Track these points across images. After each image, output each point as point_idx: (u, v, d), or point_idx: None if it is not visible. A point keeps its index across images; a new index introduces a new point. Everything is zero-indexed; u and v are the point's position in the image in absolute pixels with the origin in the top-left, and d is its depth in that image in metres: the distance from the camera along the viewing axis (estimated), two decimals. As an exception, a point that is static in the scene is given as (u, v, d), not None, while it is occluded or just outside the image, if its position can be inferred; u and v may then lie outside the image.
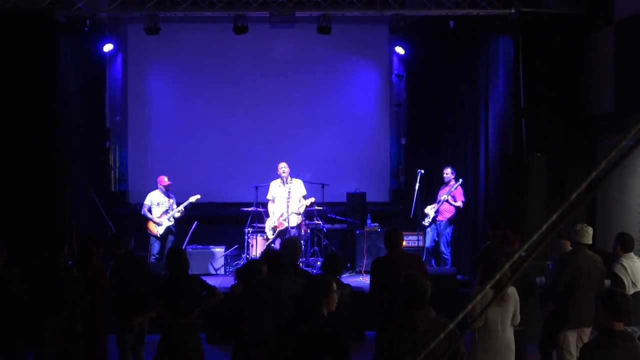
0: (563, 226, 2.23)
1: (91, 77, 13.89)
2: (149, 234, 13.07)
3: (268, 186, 13.01)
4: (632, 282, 7.83)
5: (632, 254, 8.03)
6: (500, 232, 8.48)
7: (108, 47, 14.05)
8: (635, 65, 10.19)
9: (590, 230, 8.02)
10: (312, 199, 12.77)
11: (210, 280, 7.86)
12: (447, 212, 12.75)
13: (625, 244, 8.03)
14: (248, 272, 7.09)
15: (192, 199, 13.05)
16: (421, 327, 5.05)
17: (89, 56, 13.68)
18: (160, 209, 13.02)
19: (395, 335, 5.20)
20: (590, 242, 8.04)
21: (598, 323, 6.03)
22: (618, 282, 7.81)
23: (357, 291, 9.35)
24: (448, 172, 12.79)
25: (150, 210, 13.03)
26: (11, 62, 11.27)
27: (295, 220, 12.70)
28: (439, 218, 12.81)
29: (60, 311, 7.38)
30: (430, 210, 12.81)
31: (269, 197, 12.87)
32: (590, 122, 11.38)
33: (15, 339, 7.50)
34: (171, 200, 13.13)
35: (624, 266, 7.90)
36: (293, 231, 12.61)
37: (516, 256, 2.16)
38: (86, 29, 12.22)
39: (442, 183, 12.93)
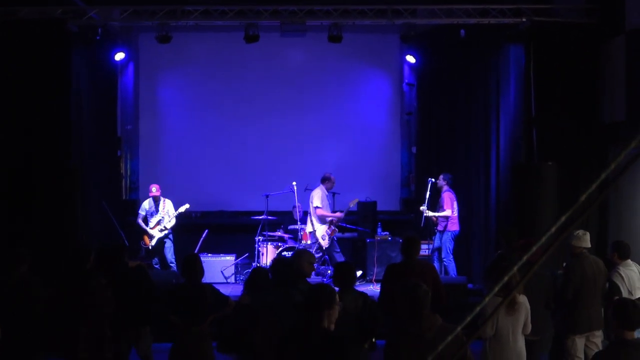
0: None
1: (103, 85, 13.91)
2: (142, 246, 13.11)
3: (277, 195, 13.33)
4: (629, 290, 7.86)
5: (629, 261, 8.07)
6: (523, 241, 8.45)
7: (120, 56, 14.09)
8: (646, 74, 10.16)
9: (587, 234, 8.04)
10: None
11: (220, 289, 7.83)
12: (441, 223, 12.78)
13: (621, 252, 8.07)
14: (254, 282, 7.05)
15: (182, 208, 13.06)
16: (428, 334, 5.03)
17: (100, 65, 13.71)
18: (155, 219, 13.07)
19: (402, 343, 5.18)
20: (590, 245, 8.06)
21: (610, 332, 6.01)
22: (615, 291, 7.84)
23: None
24: (440, 179, 12.87)
25: (145, 220, 13.09)
26: (23, 71, 11.31)
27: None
28: (439, 228, 12.84)
29: (86, 319, 7.31)
30: (426, 211, 12.72)
31: (319, 204, 13.03)
32: (602, 131, 11.32)
33: (38, 347, 7.45)
34: (164, 211, 13.10)
35: (620, 275, 7.95)
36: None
37: (525, 258, 2.15)
38: (98, 38, 12.28)
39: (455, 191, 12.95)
